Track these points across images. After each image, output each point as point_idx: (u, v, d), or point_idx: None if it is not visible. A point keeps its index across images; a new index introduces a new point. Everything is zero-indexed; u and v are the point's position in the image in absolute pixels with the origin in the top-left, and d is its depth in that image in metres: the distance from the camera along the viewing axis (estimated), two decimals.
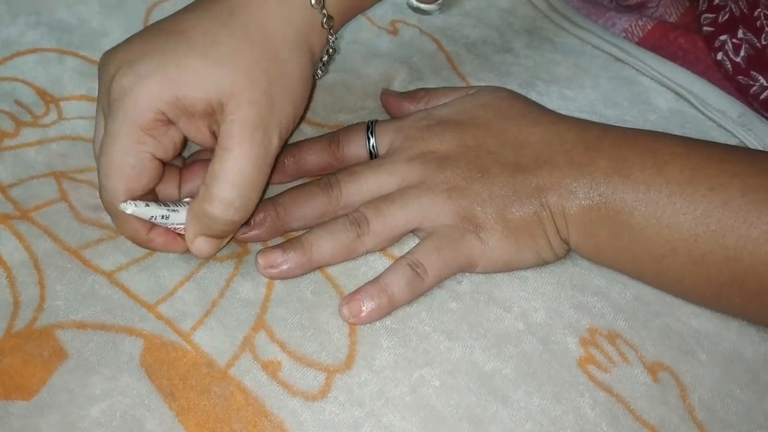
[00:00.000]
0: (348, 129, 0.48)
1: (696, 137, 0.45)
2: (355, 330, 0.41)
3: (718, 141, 0.52)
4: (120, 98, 0.39)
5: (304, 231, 0.44)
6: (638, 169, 0.43)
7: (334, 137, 0.48)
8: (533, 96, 0.53)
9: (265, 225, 0.44)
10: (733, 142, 0.53)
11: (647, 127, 0.52)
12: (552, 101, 0.54)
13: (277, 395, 0.39)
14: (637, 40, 0.60)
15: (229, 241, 0.43)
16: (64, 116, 0.49)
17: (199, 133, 0.41)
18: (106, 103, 0.40)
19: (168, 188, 0.43)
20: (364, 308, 0.41)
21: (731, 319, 0.44)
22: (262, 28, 0.40)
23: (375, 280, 0.42)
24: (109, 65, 0.40)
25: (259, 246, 0.44)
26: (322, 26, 0.43)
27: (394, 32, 0.58)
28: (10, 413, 0.36)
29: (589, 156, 0.44)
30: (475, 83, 0.55)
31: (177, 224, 0.41)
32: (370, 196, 0.45)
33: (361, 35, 0.57)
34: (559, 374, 0.41)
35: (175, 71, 0.38)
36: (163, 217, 0.41)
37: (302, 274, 0.43)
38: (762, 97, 0.55)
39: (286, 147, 0.48)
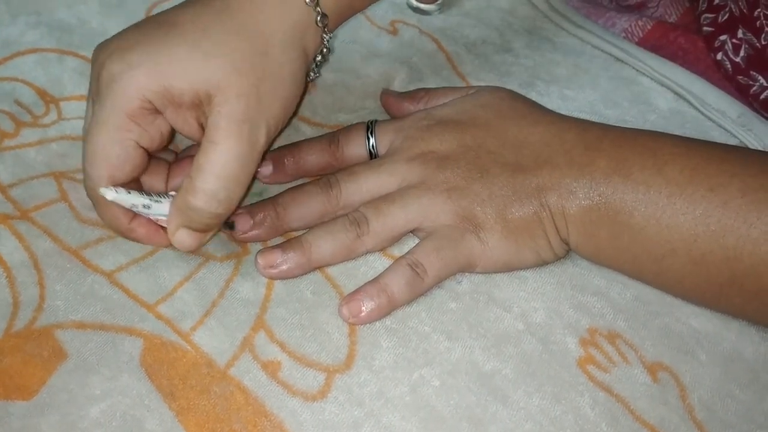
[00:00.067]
0: (348, 129, 0.48)
1: (696, 137, 0.45)
2: (354, 330, 0.41)
3: (718, 141, 0.52)
4: (108, 85, 0.39)
5: (304, 231, 0.44)
6: (638, 169, 0.43)
7: (334, 137, 0.48)
8: (533, 96, 0.53)
9: (264, 225, 0.44)
10: (732, 142, 0.53)
11: (647, 127, 0.52)
12: (552, 101, 0.54)
13: (277, 395, 0.39)
14: (637, 40, 0.60)
15: (208, 240, 0.43)
16: (64, 116, 0.49)
17: (186, 125, 0.41)
18: (95, 91, 0.40)
19: (155, 182, 0.44)
20: (363, 308, 0.41)
21: (731, 319, 0.44)
22: (254, 23, 0.40)
23: (375, 280, 0.42)
24: (100, 54, 0.40)
25: (259, 246, 0.44)
26: (317, 24, 0.43)
27: (394, 32, 0.58)
28: (9, 413, 0.36)
29: (589, 156, 0.44)
30: (475, 83, 0.55)
31: (159, 215, 0.41)
32: (370, 196, 0.45)
33: (360, 35, 0.57)
34: (558, 374, 0.41)
35: (163, 61, 0.39)
36: (144, 206, 0.40)
37: (302, 274, 0.43)
38: (762, 97, 0.55)
39: (285, 147, 0.48)
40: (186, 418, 0.37)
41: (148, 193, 0.41)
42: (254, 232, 0.44)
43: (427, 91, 0.51)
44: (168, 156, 0.45)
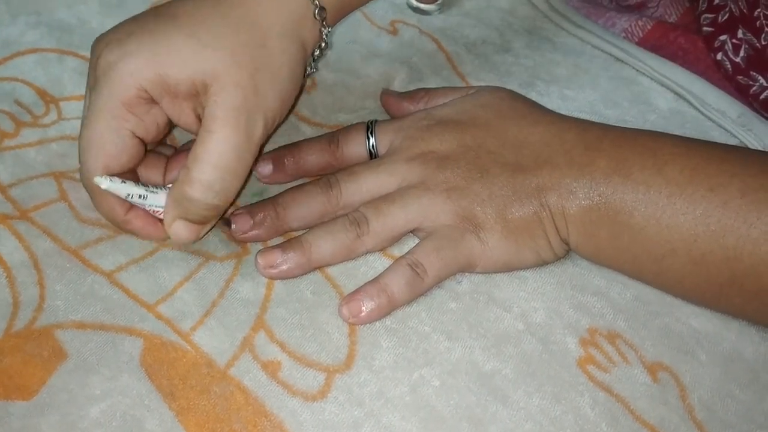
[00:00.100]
0: (348, 129, 0.48)
1: (696, 137, 0.45)
2: (354, 330, 0.41)
3: (718, 141, 0.52)
4: (104, 73, 0.39)
5: (304, 231, 0.44)
6: (638, 169, 0.43)
7: (334, 137, 0.48)
8: (533, 96, 0.53)
9: (264, 225, 0.44)
10: (732, 142, 0.53)
11: (647, 127, 0.52)
12: (552, 101, 0.54)
13: (277, 395, 0.39)
14: (637, 40, 0.60)
15: (204, 235, 0.43)
16: (64, 116, 0.48)
17: (183, 116, 0.41)
18: (92, 80, 0.40)
19: (153, 175, 0.44)
20: (363, 308, 0.41)
21: (731, 319, 0.44)
22: (252, 15, 0.40)
23: (375, 280, 0.42)
24: (98, 44, 0.40)
25: (259, 246, 0.44)
26: (315, 18, 0.43)
27: (394, 32, 0.58)
28: (9, 413, 0.36)
29: (589, 156, 0.44)
30: (475, 83, 0.55)
31: (156, 206, 0.41)
32: (370, 196, 0.45)
33: (360, 35, 0.57)
34: (558, 374, 0.41)
35: (160, 50, 0.39)
36: (140, 196, 0.40)
37: (302, 274, 0.43)
38: (762, 97, 0.55)
39: (285, 147, 0.48)
40: (186, 418, 0.37)
41: (145, 184, 0.41)
42: (254, 232, 0.44)
43: (426, 91, 0.51)
44: (167, 151, 0.45)
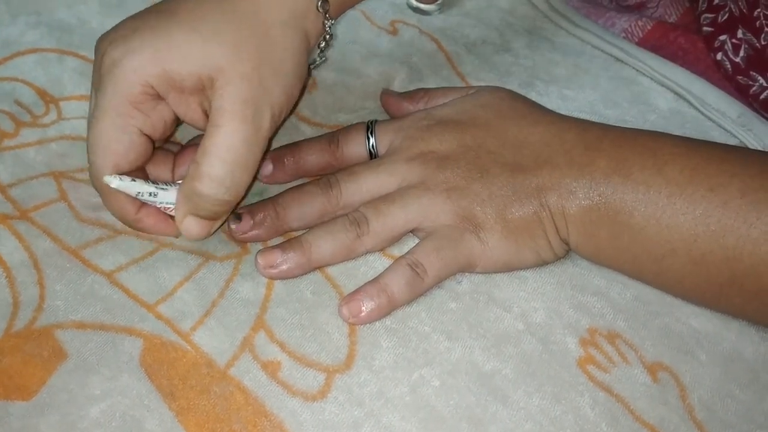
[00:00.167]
0: (348, 129, 0.48)
1: (696, 137, 0.45)
2: (354, 330, 0.41)
3: (718, 141, 0.52)
4: (109, 71, 0.39)
5: (304, 231, 0.44)
6: (638, 169, 0.43)
7: (334, 137, 0.48)
8: (533, 96, 0.53)
9: (264, 225, 0.44)
10: (732, 142, 0.53)
11: (647, 127, 0.52)
12: (552, 101, 0.54)
13: (277, 395, 0.39)
14: (636, 40, 0.60)
15: (216, 230, 0.42)
16: (63, 116, 0.48)
17: (189, 111, 0.41)
18: (97, 79, 0.40)
19: (161, 172, 0.44)
20: (363, 308, 0.41)
21: (731, 319, 0.44)
22: (254, 9, 0.40)
23: (374, 280, 0.42)
24: (102, 43, 0.40)
25: (259, 246, 0.44)
26: (318, 10, 0.43)
27: (394, 32, 0.58)
28: (9, 413, 0.36)
29: (588, 156, 0.44)
30: (474, 83, 0.55)
31: (166, 203, 0.41)
32: (370, 196, 0.45)
33: (361, 35, 0.57)
34: (558, 374, 0.41)
35: (162, 45, 0.39)
36: (150, 194, 0.40)
37: (302, 274, 0.43)
38: (762, 97, 0.55)
39: (285, 147, 0.48)
40: (186, 418, 0.37)
41: (154, 182, 0.41)
42: (254, 232, 0.44)
43: (426, 91, 0.51)
44: (174, 148, 0.45)
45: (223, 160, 0.39)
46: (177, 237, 0.43)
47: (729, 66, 0.57)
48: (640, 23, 0.61)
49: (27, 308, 0.40)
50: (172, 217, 0.42)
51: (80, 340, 0.39)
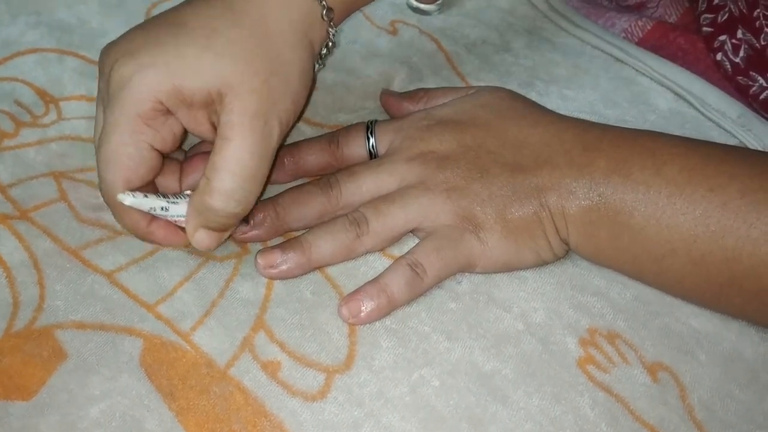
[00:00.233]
0: (348, 129, 0.48)
1: (695, 137, 0.45)
2: (354, 330, 0.41)
3: (718, 141, 0.52)
4: (119, 88, 0.39)
5: (304, 231, 0.44)
6: (638, 169, 0.43)
7: (334, 137, 0.48)
8: (533, 96, 0.53)
9: (264, 225, 0.44)
10: (732, 142, 0.53)
11: (647, 127, 0.52)
12: (551, 101, 0.54)
13: (277, 395, 0.39)
14: (636, 40, 0.60)
15: (228, 237, 0.43)
16: (63, 116, 0.48)
17: (198, 125, 0.41)
18: (105, 94, 0.40)
19: (169, 181, 0.43)
20: (363, 308, 0.41)
21: (731, 319, 0.44)
22: (261, 19, 0.40)
23: (374, 280, 0.42)
24: (108, 56, 0.40)
25: (259, 246, 0.44)
26: (323, 19, 0.43)
27: (394, 32, 0.58)
28: (9, 413, 0.36)
29: (588, 156, 0.44)
30: (474, 83, 0.55)
31: (177, 216, 0.41)
32: (370, 196, 0.45)
33: (361, 35, 0.57)
34: (558, 374, 0.41)
35: (173, 61, 0.38)
36: (162, 208, 0.40)
37: (302, 274, 0.43)
38: (761, 97, 0.55)
39: (285, 147, 0.48)
40: (186, 419, 0.37)
41: (165, 195, 0.41)
42: (254, 232, 0.44)
43: (426, 91, 0.51)
44: (180, 156, 0.45)
45: (233, 174, 0.39)
46: (187, 247, 0.43)
47: (729, 66, 0.57)
48: (639, 23, 0.61)
49: (27, 308, 0.40)
50: (182, 227, 0.42)
51: (80, 340, 0.39)
